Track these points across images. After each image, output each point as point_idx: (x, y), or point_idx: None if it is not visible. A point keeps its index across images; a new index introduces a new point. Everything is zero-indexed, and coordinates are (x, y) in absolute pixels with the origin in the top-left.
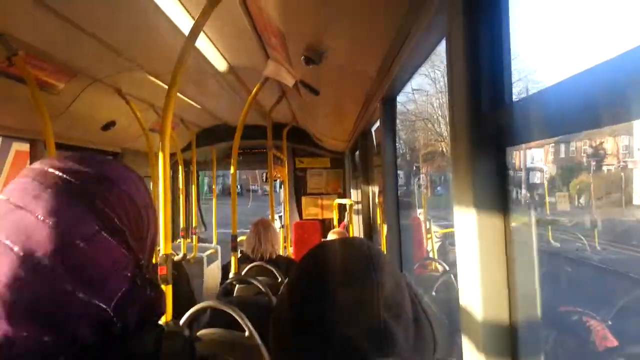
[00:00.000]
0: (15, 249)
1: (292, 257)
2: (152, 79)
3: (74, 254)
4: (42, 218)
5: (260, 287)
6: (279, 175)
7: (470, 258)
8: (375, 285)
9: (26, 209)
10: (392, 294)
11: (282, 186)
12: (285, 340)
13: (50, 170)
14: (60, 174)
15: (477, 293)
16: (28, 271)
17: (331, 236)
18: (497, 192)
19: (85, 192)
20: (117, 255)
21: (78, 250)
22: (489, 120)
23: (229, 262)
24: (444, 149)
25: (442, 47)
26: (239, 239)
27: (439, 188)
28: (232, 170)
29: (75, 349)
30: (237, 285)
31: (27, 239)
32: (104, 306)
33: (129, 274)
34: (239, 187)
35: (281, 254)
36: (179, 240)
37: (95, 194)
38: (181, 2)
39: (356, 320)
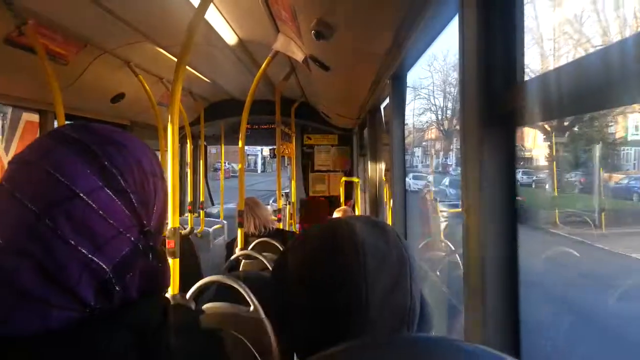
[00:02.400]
0: (24, 200)
1: (298, 232)
2: (162, 51)
3: (77, 207)
4: (48, 170)
5: (265, 262)
6: (287, 151)
7: (476, 236)
8: (408, 267)
9: (35, 163)
10: (416, 273)
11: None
12: (307, 321)
13: (65, 131)
14: (72, 134)
15: (481, 271)
16: (35, 222)
17: (336, 214)
18: (506, 170)
19: (93, 149)
20: (119, 215)
21: (80, 203)
22: (500, 99)
23: (235, 237)
24: None
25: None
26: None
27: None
28: (240, 144)
29: (80, 312)
30: (242, 260)
31: (34, 191)
32: (104, 266)
33: (132, 238)
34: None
35: (287, 229)
36: (186, 214)
37: (102, 152)
38: None
39: (391, 299)
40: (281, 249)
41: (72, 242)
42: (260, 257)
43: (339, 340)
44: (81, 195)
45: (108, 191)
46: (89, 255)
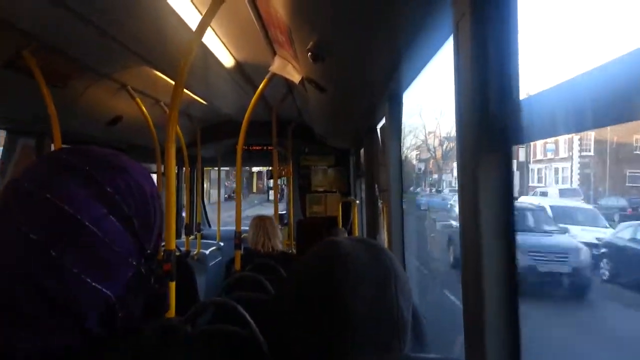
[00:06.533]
0: (25, 230)
1: (294, 254)
2: (159, 74)
3: (83, 236)
4: (52, 200)
5: (264, 284)
6: (284, 172)
7: (474, 253)
8: (393, 279)
9: (37, 192)
10: (404, 286)
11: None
12: (298, 336)
13: (62, 156)
14: (72, 159)
15: (480, 292)
16: (38, 253)
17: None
18: (502, 189)
19: (95, 176)
20: (124, 241)
21: (87, 232)
22: (495, 117)
23: (232, 259)
24: None
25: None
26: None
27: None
28: (237, 166)
29: (82, 340)
30: (239, 283)
31: (37, 220)
32: (108, 293)
33: (134, 263)
34: None
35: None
36: (183, 236)
37: (105, 179)
38: None
39: (376, 311)
40: (282, 271)
41: (77, 272)
42: (262, 279)
43: (328, 353)
44: (87, 224)
45: (112, 218)
46: (94, 284)
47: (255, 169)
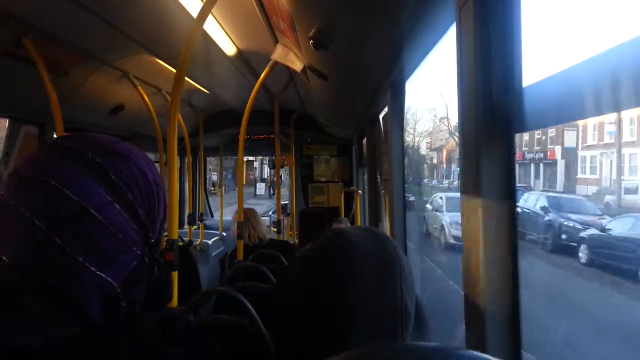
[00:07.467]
0: (30, 216)
1: (297, 244)
2: (161, 62)
3: (87, 223)
4: (56, 186)
5: (266, 273)
6: (287, 162)
7: (475, 243)
8: (397, 267)
9: (41, 178)
10: (408, 275)
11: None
12: (301, 324)
13: (65, 143)
14: (75, 146)
15: (481, 279)
16: (42, 240)
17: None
18: (504, 177)
19: (98, 163)
20: (127, 229)
21: (91, 220)
22: (498, 106)
23: (227, 253)
24: None
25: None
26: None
27: None
28: (239, 156)
29: (84, 329)
30: (241, 272)
31: (42, 207)
32: (112, 282)
33: (138, 252)
34: None
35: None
36: (185, 226)
37: (109, 166)
38: None
39: (380, 298)
40: (281, 258)
41: (81, 259)
42: (264, 269)
43: (331, 341)
44: (92, 211)
45: (117, 206)
46: (97, 272)
47: (244, 158)
